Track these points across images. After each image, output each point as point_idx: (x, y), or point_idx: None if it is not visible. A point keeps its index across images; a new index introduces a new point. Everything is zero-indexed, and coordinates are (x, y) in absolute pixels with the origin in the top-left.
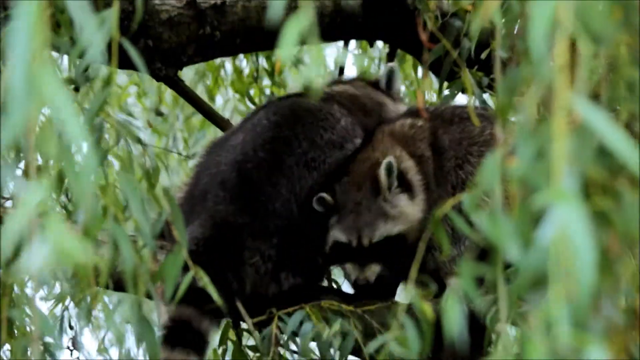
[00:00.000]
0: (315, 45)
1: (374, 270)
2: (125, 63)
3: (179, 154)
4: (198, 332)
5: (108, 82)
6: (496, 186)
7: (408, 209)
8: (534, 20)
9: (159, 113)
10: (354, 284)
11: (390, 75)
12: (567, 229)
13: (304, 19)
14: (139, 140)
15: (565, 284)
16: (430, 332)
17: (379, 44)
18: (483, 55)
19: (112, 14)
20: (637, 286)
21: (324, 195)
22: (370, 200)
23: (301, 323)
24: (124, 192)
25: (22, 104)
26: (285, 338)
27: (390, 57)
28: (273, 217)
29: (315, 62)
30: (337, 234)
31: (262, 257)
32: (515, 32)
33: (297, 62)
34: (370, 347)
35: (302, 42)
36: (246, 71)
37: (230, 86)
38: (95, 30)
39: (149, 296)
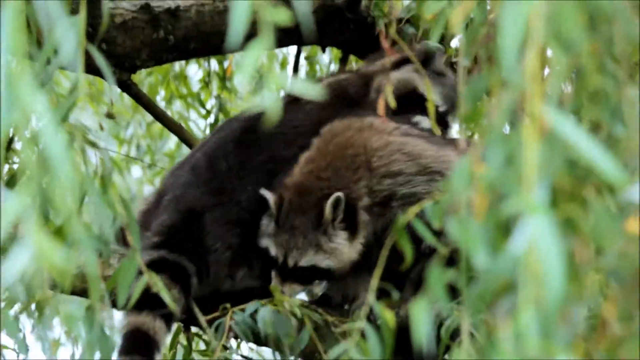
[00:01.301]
0: (273, 73)
1: (295, 289)
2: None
3: (140, 160)
4: (152, 339)
5: (75, 87)
6: (466, 192)
7: (344, 249)
8: (505, 28)
9: (109, 116)
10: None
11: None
12: (537, 240)
13: (264, 44)
14: (92, 144)
15: (534, 292)
16: (391, 339)
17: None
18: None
19: (80, 19)
20: (603, 293)
21: (269, 198)
22: (308, 230)
23: (256, 311)
24: (76, 196)
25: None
26: (239, 330)
27: (343, 62)
28: (237, 208)
29: (273, 89)
30: (268, 244)
31: (223, 244)
32: (478, 40)
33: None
34: (332, 355)
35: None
36: (198, 76)
37: (174, 91)
38: (68, 34)
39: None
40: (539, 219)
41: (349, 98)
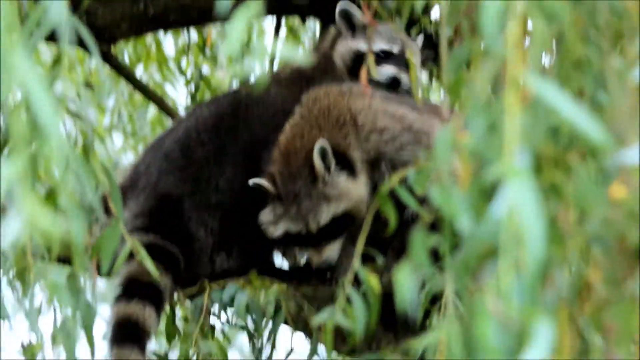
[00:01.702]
0: (259, 42)
1: (332, 248)
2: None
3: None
4: (143, 328)
5: (59, 59)
6: (449, 160)
7: (350, 188)
8: None
9: (88, 85)
10: (316, 269)
11: (345, 14)
12: (519, 204)
13: (252, 9)
14: (74, 114)
15: (516, 256)
16: (377, 305)
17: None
18: (412, 34)
19: None
20: (586, 257)
21: (261, 182)
22: (309, 187)
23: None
24: (59, 165)
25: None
26: (217, 308)
27: (322, 33)
28: (216, 192)
29: (259, 58)
30: (286, 225)
31: (206, 230)
32: (460, 10)
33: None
34: (317, 320)
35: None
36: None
37: (154, 61)
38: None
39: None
40: (519, 182)
41: (309, 75)
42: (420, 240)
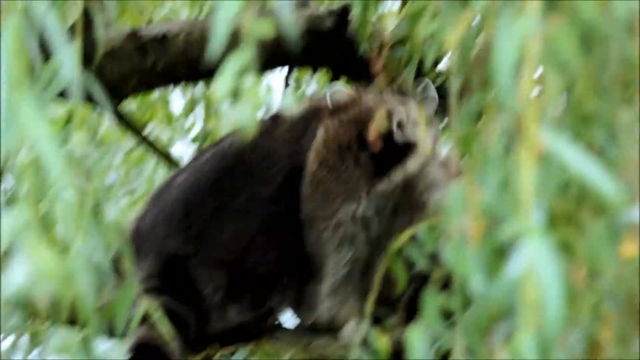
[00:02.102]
0: (252, 85)
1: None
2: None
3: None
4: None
5: (70, 117)
6: (461, 216)
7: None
8: (499, 48)
9: (97, 143)
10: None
11: None
12: (536, 263)
13: (245, 55)
14: (84, 171)
15: (533, 316)
16: None
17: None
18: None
19: (77, 46)
20: (599, 317)
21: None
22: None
23: None
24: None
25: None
26: None
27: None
28: (221, 248)
29: (251, 101)
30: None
31: (213, 287)
32: (471, 62)
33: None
34: None
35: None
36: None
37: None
38: (67, 60)
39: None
40: (536, 241)
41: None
42: (431, 299)
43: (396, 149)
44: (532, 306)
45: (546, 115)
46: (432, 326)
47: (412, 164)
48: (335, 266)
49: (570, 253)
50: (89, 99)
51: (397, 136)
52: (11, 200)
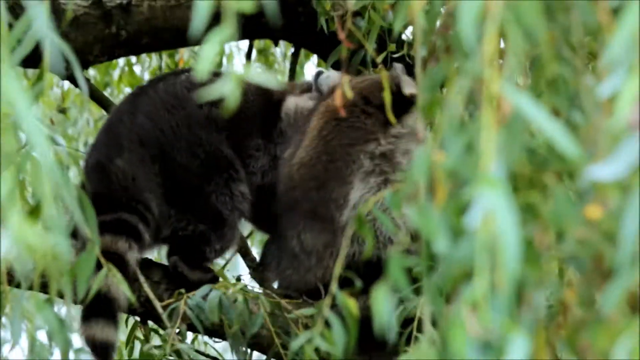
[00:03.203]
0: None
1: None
2: (31, 62)
3: None
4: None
5: (39, 79)
6: (425, 179)
7: None
8: (463, 11)
9: (61, 110)
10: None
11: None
12: (494, 213)
13: (227, 31)
14: (51, 139)
15: (492, 269)
16: (355, 328)
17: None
18: (379, 59)
19: (43, 12)
20: (562, 280)
21: None
22: None
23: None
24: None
25: None
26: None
27: (295, 56)
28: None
29: (233, 82)
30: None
31: (151, 189)
32: (435, 30)
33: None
34: (295, 344)
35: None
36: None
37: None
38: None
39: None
40: (495, 194)
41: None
42: (396, 262)
43: (402, 101)
44: (491, 258)
45: (510, 78)
46: (397, 288)
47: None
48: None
49: (536, 216)
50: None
51: (404, 88)
52: None
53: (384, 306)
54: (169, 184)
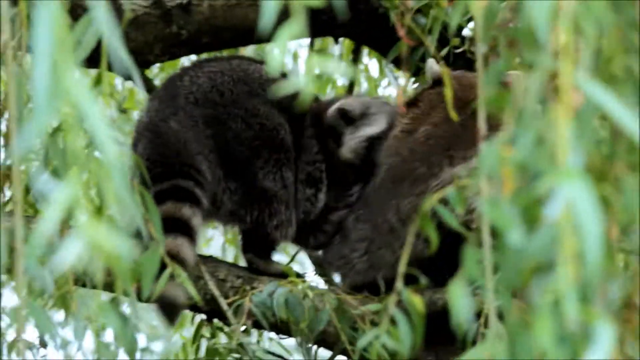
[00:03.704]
0: (309, 57)
1: None
2: (93, 61)
3: None
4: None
5: (98, 81)
6: (496, 173)
7: None
8: (535, 6)
9: (122, 110)
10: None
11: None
12: (574, 204)
13: (295, 27)
14: (116, 140)
15: (573, 262)
16: (421, 325)
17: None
18: (443, 52)
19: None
20: (635, 273)
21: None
22: None
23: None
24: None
25: (48, 104)
26: (258, 312)
27: (356, 53)
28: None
29: (307, 73)
30: None
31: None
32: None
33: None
34: (362, 342)
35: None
36: None
37: None
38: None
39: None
40: (574, 185)
41: None
42: (471, 255)
43: None
44: (572, 248)
45: (580, 69)
46: (473, 281)
47: None
48: None
49: (607, 207)
50: (111, 67)
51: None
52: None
53: (462, 301)
54: (220, 151)
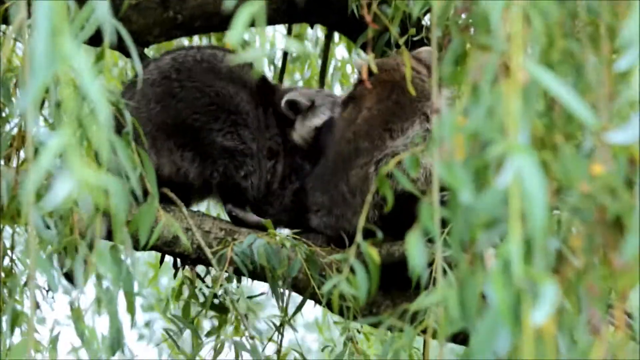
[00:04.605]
0: (261, 29)
1: None
2: (96, 41)
3: None
4: None
5: (101, 56)
6: (451, 139)
7: None
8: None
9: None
10: None
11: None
12: (522, 175)
13: (255, 5)
14: (113, 103)
15: (520, 223)
16: (377, 274)
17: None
18: (402, 40)
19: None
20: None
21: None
22: None
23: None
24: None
25: (46, 65)
26: (239, 261)
27: (328, 38)
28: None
29: (262, 45)
30: None
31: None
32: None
33: (245, 44)
34: (325, 288)
35: (252, 24)
36: None
37: None
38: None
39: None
40: (522, 157)
41: None
42: (427, 210)
43: None
44: (518, 214)
45: (533, 51)
46: (427, 233)
47: None
48: None
49: (547, 172)
50: (116, 46)
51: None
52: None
53: (418, 250)
54: (167, 125)
